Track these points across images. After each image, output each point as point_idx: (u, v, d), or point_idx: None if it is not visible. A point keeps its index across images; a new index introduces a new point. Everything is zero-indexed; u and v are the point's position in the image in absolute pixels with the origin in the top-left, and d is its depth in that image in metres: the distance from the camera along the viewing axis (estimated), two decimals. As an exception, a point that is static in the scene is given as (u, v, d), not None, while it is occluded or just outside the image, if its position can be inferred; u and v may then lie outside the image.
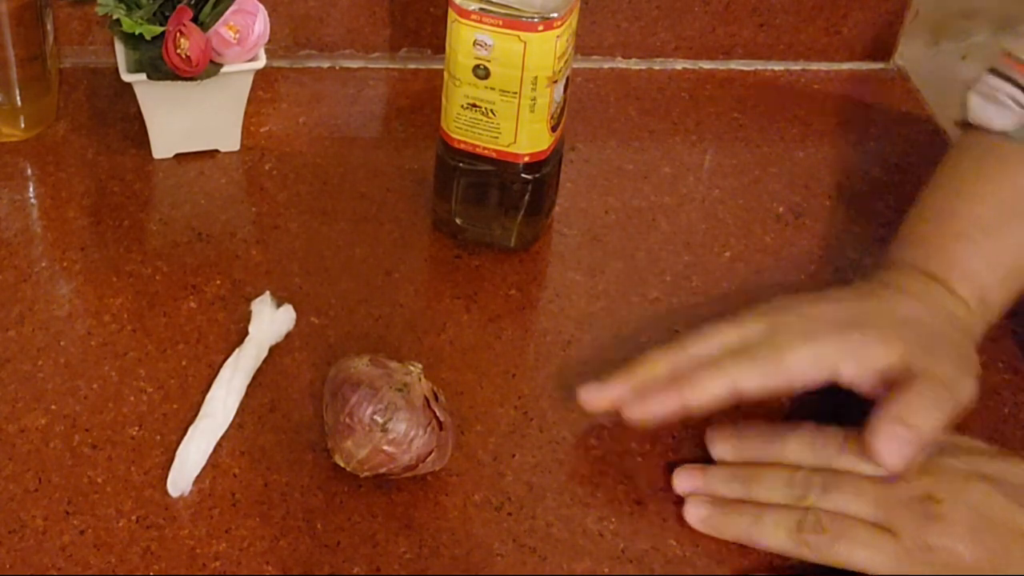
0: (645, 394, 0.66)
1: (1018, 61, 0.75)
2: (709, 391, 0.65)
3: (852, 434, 0.63)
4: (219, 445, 0.67)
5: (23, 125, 0.87)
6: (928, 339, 0.66)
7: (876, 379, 0.65)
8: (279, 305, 0.73)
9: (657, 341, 0.75)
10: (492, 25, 0.72)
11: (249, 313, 0.73)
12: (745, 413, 0.68)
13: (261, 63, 0.84)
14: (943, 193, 0.75)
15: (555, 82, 0.75)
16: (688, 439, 0.70)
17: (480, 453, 0.68)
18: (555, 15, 0.72)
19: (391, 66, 0.98)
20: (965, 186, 0.74)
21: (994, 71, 0.77)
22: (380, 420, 0.62)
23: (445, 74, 0.76)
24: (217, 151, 0.87)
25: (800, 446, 0.64)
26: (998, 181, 0.74)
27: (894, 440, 0.61)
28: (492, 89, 0.74)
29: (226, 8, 0.81)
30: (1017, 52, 0.76)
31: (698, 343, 0.67)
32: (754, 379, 0.65)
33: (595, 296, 0.79)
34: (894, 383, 0.64)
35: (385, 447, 0.63)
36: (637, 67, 1.01)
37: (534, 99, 0.74)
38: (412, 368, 0.65)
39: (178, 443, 0.66)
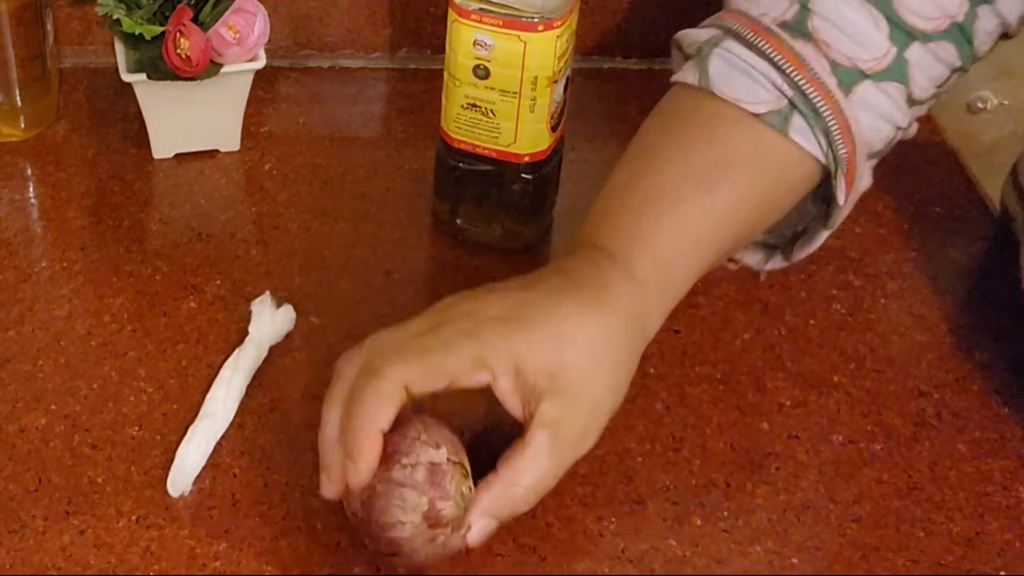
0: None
1: (770, 34, 0.68)
2: (382, 416, 0.59)
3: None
4: (219, 445, 0.67)
5: (23, 125, 0.87)
6: (581, 368, 0.61)
7: (518, 400, 0.61)
8: (279, 305, 0.73)
9: (656, 340, 0.75)
10: (492, 25, 0.72)
11: (249, 313, 0.73)
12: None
13: (261, 63, 0.84)
14: (635, 161, 0.69)
15: (555, 82, 0.75)
16: (688, 438, 0.70)
17: (480, 453, 0.68)
18: (555, 15, 0.72)
19: (391, 66, 0.98)
20: (656, 151, 0.69)
21: (738, 37, 0.69)
22: (398, 560, 0.60)
23: (445, 74, 0.76)
24: (217, 151, 0.87)
25: None
26: (689, 145, 0.69)
27: (482, 532, 0.60)
28: (492, 89, 0.74)
29: (226, 8, 0.81)
30: (764, 20, 0.68)
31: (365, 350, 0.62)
32: (420, 382, 0.59)
33: (595, 296, 0.79)
34: (525, 424, 0.60)
35: (392, 558, 0.60)
36: (637, 67, 1.01)
37: (534, 99, 0.74)
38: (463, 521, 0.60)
39: (178, 443, 0.66)
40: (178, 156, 0.87)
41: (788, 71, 0.67)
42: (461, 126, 0.77)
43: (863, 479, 0.69)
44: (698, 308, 0.78)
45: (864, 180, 0.70)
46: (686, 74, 0.70)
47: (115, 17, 0.81)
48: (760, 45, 0.67)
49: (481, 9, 0.72)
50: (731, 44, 0.69)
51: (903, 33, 0.68)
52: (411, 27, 0.97)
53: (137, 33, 0.80)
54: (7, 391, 0.69)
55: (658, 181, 0.67)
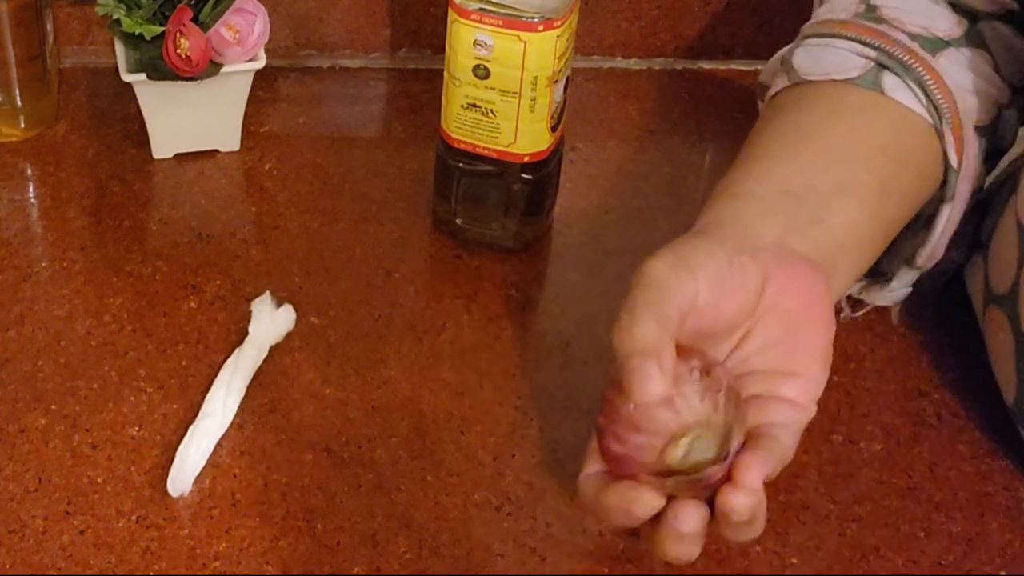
0: None
1: (843, 22, 0.70)
2: None
3: None
4: (219, 445, 0.67)
5: (23, 125, 0.87)
6: None
7: None
8: (279, 305, 0.73)
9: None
10: (492, 25, 0.72)
11: (249, 313, 0.73)
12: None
13: (261, 63, 0.84)
14: (733, 167, 0.66)
15: (555, 82, 0.75)
16: (688, 439, 0.70)
17: (480, 453, 0.68)
18: (555, 15, 0.72)
19: (391, 66, 0.98)
20: (748, 147, 0.67)
21: (814, 35, 0.71)
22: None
23: (445, 74, 0.76)
24: (217, 151, 0.87)
25: None
26: (779, 120, 0.68)
27: None
28: (492, 89, 0.74)
29: (226, 8, 0.81)
30: (835, 17, 0.71)
31: None
32: None
33: (595, 296, 0.79)
34: None
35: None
36: (637, 67, 1.01)
37: (534, 99, 0.74)
38: None
39: (178, 443, 0.66)
40: (178, 156, 0.87)
41: (868, 41, 0.67)
42: (461, 126, 0.77)
43: (863, 479, 0.69)
44: (698, 308, 0.78)
45: (973, 151, 0.68)
46: (775, 85, 0.70)
47: (115, 17, 0.81)
48: (837, 31, 0.69)
49: (481, 9, 0.72)
50: (809, 41, 0.70)
51: (966, 12, 0.69)
52: (411, 27, 0.97)
53: (137, 33, 0.80)
54: (7, 391, 0.69)
55: (750, 152, 0.66)
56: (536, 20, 0.72)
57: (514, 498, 0.66)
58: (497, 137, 0.76)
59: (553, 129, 0.77)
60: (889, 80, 0.67)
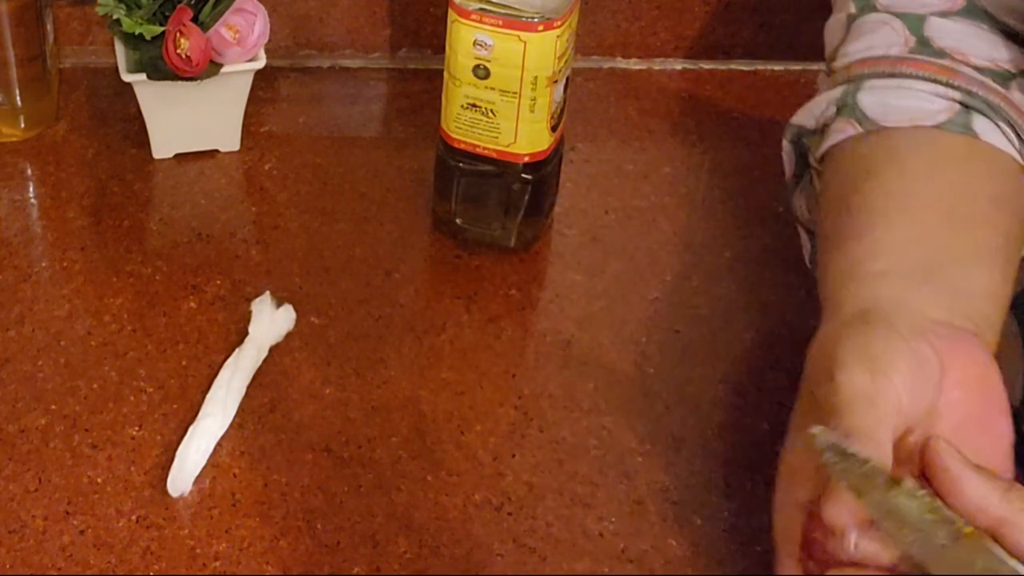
0: None
1: (905, 60, 0.65)
2: None
3: None
4: (219, 445, 0.67)
5: (23, 125, 0.87)
6: None
7: None
8: (279, 305, 0.73)
9: (657, 341, 0.75)
10: (492, 25, 0.72)
11: (249, 313, 0.73)
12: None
13: (261, 63, 0.84)
14: (836, 236, 0.62)
15: (555, 82, 0.75)
16: (688, 438, 0.70)
17: (480, 453, 0.68)
18: (555, 15, 0.72)
19: (391, 66, 0.98)
20: (851, 217, 0.62)
21: (873, 75, 0.66)
22: None
23: (445, 74, 0.76)
24: (217, 151, 0.87)
25: None
26: (881, 181, 0.63)
27: None
28: (492, 89, 0.74)
29: (226, 8, 0.81)
30: (891, 53, 0.66)
31: None
32: None
33: (595, 296, 0.79)
34: None
35: None
36: (637, 67, 1.01)
37: (534, 99, 0.74)
38: None
39: (178, 443, 0.66)
40: (178, 156, 0.87)
41: (944, 80, 0.63)
42: (461, 126, 0.77)
43: (863, 479, 0.68)
44: (698, 308, 0.78)
45: None
46: (841, 131, 0.65)
47: (115, 17, 0.81)
48: (902, 71, 0.64)
49: (481, 9, 0.72)
50: (871, 83, 0.65)
51: (1017, 39, 0.66)
52: (411, 27, 0.97)
53: (137, 33, 0.80)
54: (7, 391, 0.69)
55: (861, 218, 0.61)
56: (536, 20, 0.72)
57: (514, 498, 0.66)
58: (497, 137, 0.76)
59: (553, 129, 0.77)
60: (980, 123, 0.63)
